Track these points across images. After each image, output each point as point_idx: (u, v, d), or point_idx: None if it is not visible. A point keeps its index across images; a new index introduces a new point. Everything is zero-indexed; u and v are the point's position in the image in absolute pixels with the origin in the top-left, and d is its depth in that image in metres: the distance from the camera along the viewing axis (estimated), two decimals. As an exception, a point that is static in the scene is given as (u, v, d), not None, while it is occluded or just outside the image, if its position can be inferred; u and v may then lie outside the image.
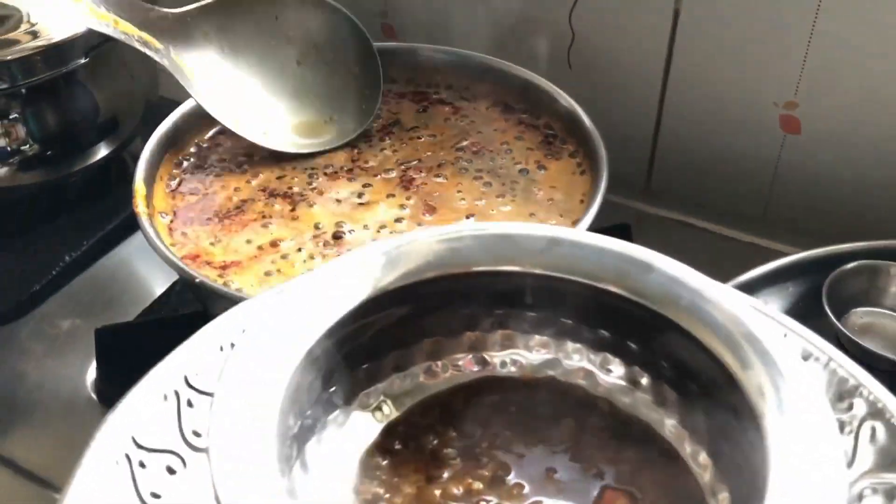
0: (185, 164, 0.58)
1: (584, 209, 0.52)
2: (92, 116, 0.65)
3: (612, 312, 0.32)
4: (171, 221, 0.53)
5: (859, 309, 0.53)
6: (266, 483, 0.26)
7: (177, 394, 0.35)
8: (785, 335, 0.33)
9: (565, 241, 0.32)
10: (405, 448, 0.33)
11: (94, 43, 0.61)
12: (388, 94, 0.64)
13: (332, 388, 0.32)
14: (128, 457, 0.33)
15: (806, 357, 0.34)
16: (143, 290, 0.63)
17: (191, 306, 0.59)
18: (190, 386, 0.35)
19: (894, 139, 0.60)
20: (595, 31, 0.67)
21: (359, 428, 0.33)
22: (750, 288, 0.54)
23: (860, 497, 0.31)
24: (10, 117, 0.60)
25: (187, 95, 0.60)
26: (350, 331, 0.31)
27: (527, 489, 0.32)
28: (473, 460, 0.33)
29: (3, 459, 0.53)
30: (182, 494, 0.33)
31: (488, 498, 0.32)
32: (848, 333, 0.50)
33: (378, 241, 0.32)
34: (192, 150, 0.59)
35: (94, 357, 0.57)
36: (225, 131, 0.60)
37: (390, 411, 0.34)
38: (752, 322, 0.29)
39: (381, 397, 0.34)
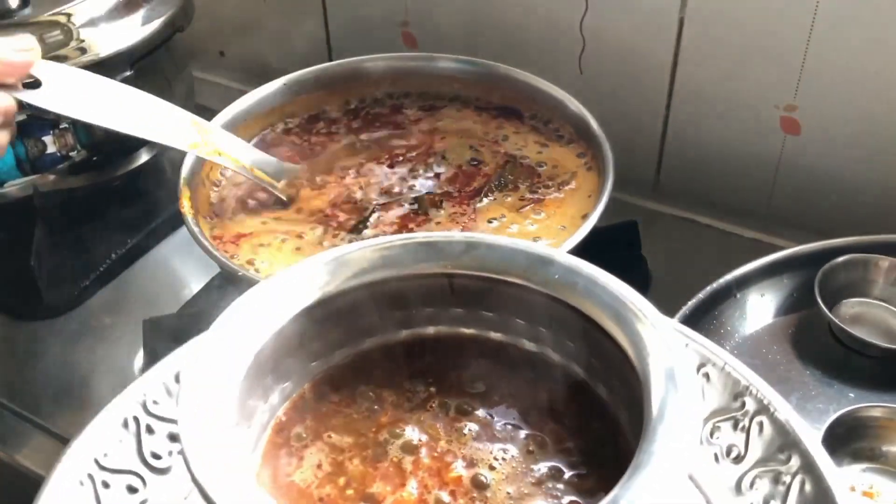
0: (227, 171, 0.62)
1: (592, 206, 0.55)
2: (135, 124, 0.69)
3: (523, 303, 0.37)
4: (213, 221, 0.58)
5: (850, 299, 0.56)
6: (226, 435, 0.30)
7: (136, 420, 0.39)
8: (686, 345, 0.38)
9: (481, 245, 0.37)
10: (343, 399, 0.37)
11: (138, 56, 0.65)
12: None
13: (285, 364, 0.36)
14: (91, 477, 0.37)
15: (704, 362, 0.39)
16: (183, 285, 0.67)
17: (229, 300, 0.62)
18: (149, 413, 0.39)
19: (887, 140, 0.62)
20: (605, 39, 0.69)
21: (302, 383, 0.38)
22: (747, 280, 0.57)
23: (751, 485, 0.37)
24: (61, 127, 0.64)
25: (222, 105, 0.64)
26: (301, 326, 0.36)
27: (462, 428, 0.36)
28: (408, 409, 0.37)
29: (60, 437, 0.57)
30: None
31: (420, 437, 0.36)
32: (839, 323, 0.53)
33: (320, 254, 0.37)
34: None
35: (140, 346, 0.61)
36: (267, 140, 0.64)
37: (329, 371, 0.38)
38: (634, 300, 0.34)
39: (324, 368, 0.38)
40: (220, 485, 0.28)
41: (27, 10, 0.66)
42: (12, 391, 0.61)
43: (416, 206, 0.58)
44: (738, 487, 0.37)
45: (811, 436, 0.36)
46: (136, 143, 0.69)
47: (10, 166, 0.64)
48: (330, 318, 0.37)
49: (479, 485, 0.34)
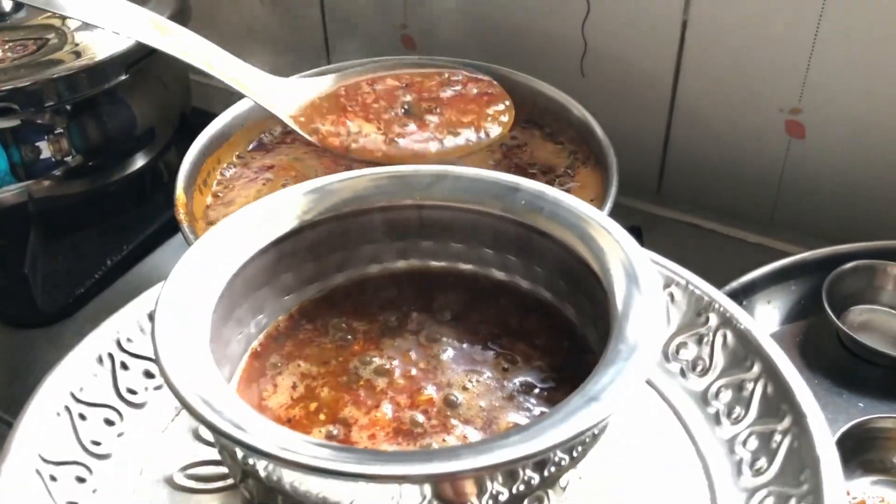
0: (227, 174, 0.61)
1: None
2: (130, 129, 0.68)
3: (491, 231, 0.38)
4: (209, 228, 0.57)
5: (858, 306, 0.55)
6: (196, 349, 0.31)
7: (111, 356, 0.39)
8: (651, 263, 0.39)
9: (448, 175, 0.38)
10: (317, 330, 0.38)
11: (134, 60, 0.64)
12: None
13: (257, 297, 0.37)
14: (68, 409, 0.37)
15: (668, 283, 0.41)
16: (180, 292, 0.67)
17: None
18: (123, 350, 0.40)
19: (894, 143, 0.61)
20: (607, 42, 0.69)
21: (276, 316, 0.39)
22: (753, 287, 0.56)
23: (717, 394, 0.38)
24: (56, 132, 0.63)
25: (221, 108, 0.63)
26: (271, 258, 0.37)
27: (434, 348, 0.37)
28: (381, 337, 0.38)
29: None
30: (121, 444, 0.38)
31: (392, 356, 0.37)
32: (847, 330, 0.52)
33: (289, 188, 0.38)
34: (234, 159, 0.63)
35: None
36: (264, 143, 0.63)
37: (303, 304, 0.39)
38: (599, 219, 0.36)
39: (297, 301, 0.39)
40: (205, 400, 0.29)
41: (21, 14, 0.65)
42: (7, 400, 0.60)
43: None
44: (704, 398, 0.38)
45: (771, 343, 0.38)
46: (132, 149, 0.69)
47: (4, 171, 0.63)
48: (300, 251, 0.38)
49: (451, 404, 0.35)
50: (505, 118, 0.58)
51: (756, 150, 0.67)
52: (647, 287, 0.32)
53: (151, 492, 0.37)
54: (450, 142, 0.56)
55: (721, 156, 0.69)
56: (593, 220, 0.36)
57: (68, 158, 0.64)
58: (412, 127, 0.56)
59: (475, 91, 0.60)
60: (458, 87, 0.60)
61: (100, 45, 0.63)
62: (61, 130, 0.63)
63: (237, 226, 0.36)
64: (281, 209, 0.37)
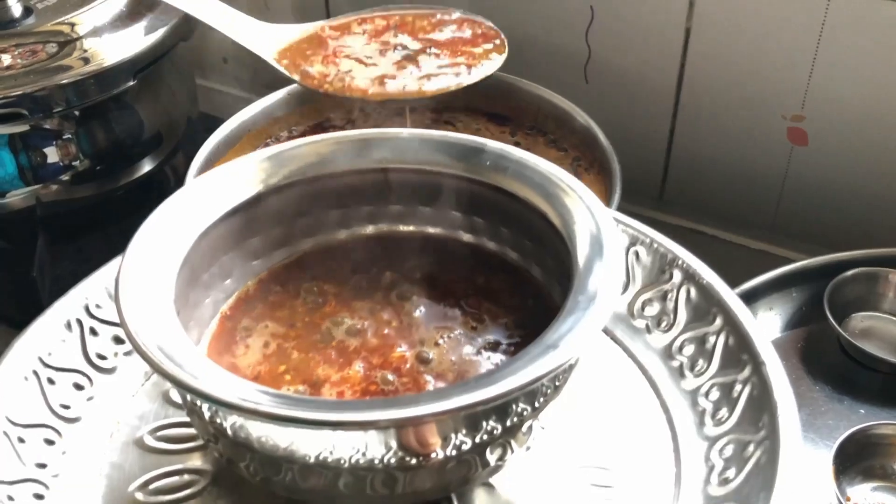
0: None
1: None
2: (138, 134, 0.68)
3: (458, 193, 0.39)
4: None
5: (859, 313, 0.56)
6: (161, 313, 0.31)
7: (80, 322, 0.40)
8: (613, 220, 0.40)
9: (414, 138, 0.39)
10: (287, 293, 0.39)
11: (142, 66, 0.64)
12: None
13: (224, 261, 0.38)
14: (36, 373, 0.38)
15: (634, 241, 0.42)
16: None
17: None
18: (92, 316, 0.40)
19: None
20: (610, 48, 0.69)
21: (245, 280, 0.39)
22: (755, 294, 0.56)
23: (681, 349, 0.39)
24: (64, 137, 0.64)
25: (228, 113, 0.64)
26: (237, 222, 0.37)
27: (406, 305, 0.38)
28: (352, 298, 0.38)
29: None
30: (91, 408, 0.38)
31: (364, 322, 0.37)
32: (848, 337, 0.53)
33: (255, 152, 0.38)
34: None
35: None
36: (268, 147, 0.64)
37: (272, 269, 0.40)
38: (563, 178, 0.36)
39: (266, 266, 0.40)
40: (166, 354, 0.29)
41: (31, 20, 0.66)
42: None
43: None
44: (668, 353, 0.39)
45: (733, 295, 0.39)
46: (139, 154, 0.69)
47: (12, 176, 0.64)
48: (266, 216, 0.38)
49: (423, 360, 0.35)
50: (496, 55, 0.57)
51: (758, 156, 0.67)
52: (607, 243, 0.33)
53: (121, 453, 0.37)
54: (441, 81, 0.55)
55: (723, 162, 0.69)
56: (557, 178, 0.36)
57: (76, 163, 0.65)
58: (409, 68, 0.55)
59: (469, 33, 0.59)
60: (454, 27, 0.59)
61: (108, 51, 0.63)
62: (69, 135, 0.64)
63: (200, 191, 0.37)
64: (244, 174, 0.38)
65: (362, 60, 0.56)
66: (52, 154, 0.64)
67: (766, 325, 0.56)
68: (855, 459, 0.47)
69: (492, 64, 0.56)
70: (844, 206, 0.65)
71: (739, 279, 0.56)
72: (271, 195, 0.38)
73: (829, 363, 0.54)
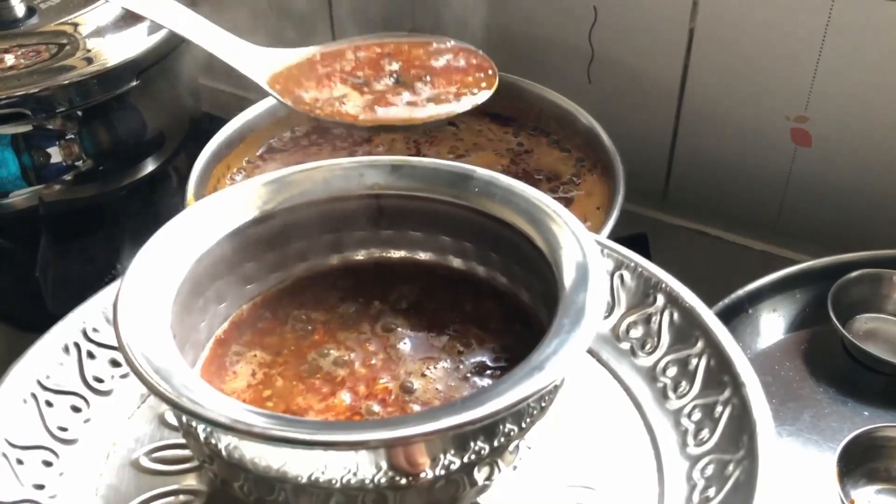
0: (237, 179, 0.62)
1: (602, 218, 0.55)
2: (141, 134, 0.68)
3: (448, 219, 0.40)
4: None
5: (863, 315, 0.55)
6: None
7: (77, 346, 0.41)
8: (602, 251, 0.41)
9: (405, 165, 0.40)
10: (277, 320, 0.40)
11: (145, 66, 0.64)
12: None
13: (220, 285, 0.39)
14: (34, 396, 0.39)
15: (619, 266, 0.43)
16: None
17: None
18: (89, 339, 0.41)
19: (900, 152, 0.62)
20: (614, 48, 0.69)
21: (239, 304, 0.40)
22: (759, 295, 0.56)
23: (664, 370, 0.40)
24: (67, 137, 0.63)
25: (231, 113, 0.64)
26: (233, 246, 0.38)
27: (391, 337, 0.39)
28: (340, 328, 0.39)
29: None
30: (88, 430, 0.39)
31: (352, 348, 0.38)
32: (852, 339, 0.53)
33: (256, 177, 0.40)
34: (243, 164, 0.63)
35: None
36: (273, 148, 0.64)
37: (264, 294, 0.41)
38: (549, 204, 0.38)
39: (259, 291, 0.41)
40: (163, 376, 0.30)
41: (34, 20, 0.66)
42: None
43: None
44: (652, 374, 0.40)
45: (714, 318, 0.40)
46: (142, 154, 0.69)
47: (15, 176, 0.64)
48: (261, 241, 0.39)
49: (407, 390, 0.36)
50: (485, 86, 0.57)
51: (762, 157, 0.67)
52: (592, 268, 0.34)
53: (118, 474, 0.38)
54: (431, 109, 0.55)
55: (727, 163, 0.69)
56: (544, 205, 0.37)
57: (79, 163, 0.65)
58: (403, 95, 0.56)
59: (463, 63, 0.59)
60: (449, 56, 0.60)
61: (111, 52, 0.64)
62: (72, 135, 0.64)
63: (197, 217, 0.38)
64: (240, 200, 0.39)
65: (356, 86, 0.56)
66: (55, 154, 0.64)
67: (769, 327, 0.56)
68: (859, 462, 0.47)
69: (484, 94, 0.57)
70: (848, 207, 0.65)
71: (743, 280, 0.56)
72: (265, 221, 0.39)
73: (833, 365, 0.54)
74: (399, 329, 0.39)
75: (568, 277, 0.34)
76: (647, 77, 0.68)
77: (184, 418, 0.32)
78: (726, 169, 0.69)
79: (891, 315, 0.55)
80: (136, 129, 0.68)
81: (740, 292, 0.55)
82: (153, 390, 0.30)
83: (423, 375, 0.36)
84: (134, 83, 0.64)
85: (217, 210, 0.38)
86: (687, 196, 0.72)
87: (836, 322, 0.53)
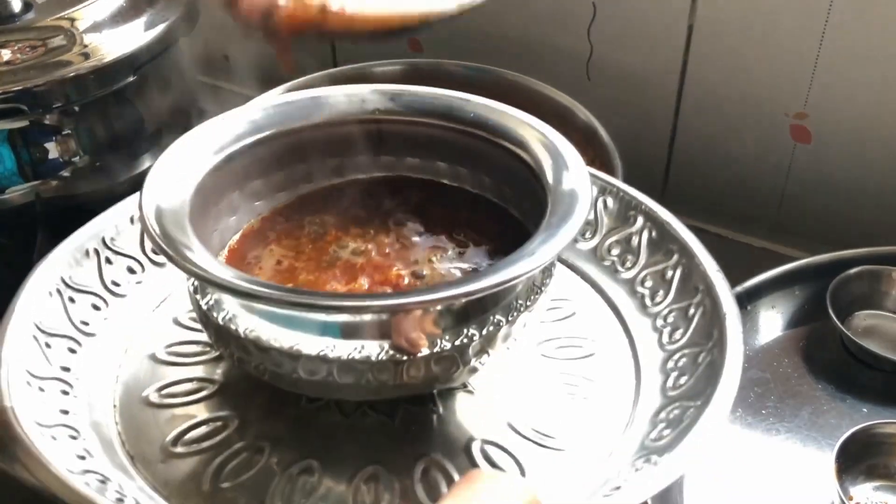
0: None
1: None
2: (138, 129, 0.68)
3: (444, 143, 0.43)
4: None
5: (862, 312, 0.56)
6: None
7: (97, 251, 0.45)
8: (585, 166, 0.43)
9: (405, 92, 0.43)
10: (292, 226, 0.43)
11: (142, 62, 0.64)
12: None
13: (230, 198, 0.42)
14: (59, 291, 0.43)
15: (603, 191, 0.48)
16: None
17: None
18: (107, 247, 0.45)
19: (899, 149, 0.61)
20: (613, 45, 0.69)
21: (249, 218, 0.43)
22: (758, 291, 0.56)
23: (642, 282, 0.45)
24: (64, 133, 0.63)
25: (230, 108, 0.63)
26: (242, 161, 0.41)
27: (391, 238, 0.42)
28: (352, 229, 0.43)
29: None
30: (107, 326, 0.43)
31: (361, 246, 0.42)
32: (851, 335, 0.53)
33: (265, 99, 0.43)
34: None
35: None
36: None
37: (275, 208, 0.44)
38: (537, 125, 0.41)
39: (269, 206, 0.44)
40: (180, 244, 0.34)
41: (30, 15, 0.65)
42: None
43: None
44: (632, 288, 0.45)
45: (687, 231, 0.45)
46: (140, 150, 0.69)
47: (11, 172, 0.63)
48: (269, 159, 0.42)
49: (418, 276, 0.40)
50: None
51: (761, 154, 0.67)
52: (578, 180, 0.38)
53: (136, 364, 0.42)
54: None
55: (726, 160, 0.69)
56: (532, 125, 0.41)
57: (76, 159, 0.64)
58: None
59: None
60: None
61: (108, 47, 0.63)
62: (69, 131, 0.63)
63: (201, 138, 0.40)
64: (249, 119, 0.42)
65: None
66: (52, 150, 0.64)
67: (768, 324, 0.56)
68: (857, 458, 0.46)
69: None
70: (847, 203, 0.65)
71: (742, 277, 0.56)
72: (269, 142, 0.42)
73: (832, 361, 0.54)
74: (409, 224, 0.42)
75: (556, 188, 0.37)
76: (647, 74, 0.69)
77: (203, 304, 0.36)
78: (725, 166, 0.69)
79: (889, 312, 0.56)
80: (134, 125, 0.68)
81: (739, 289, 0.55)
82: (182, 266, 0.33)
83: (430, 262, 0.40)
84: (131, 79, 0.63)
85: (226, 128, 0.41)
86: (686, 193, 0.72)
87: (834, 319, 0.53)
